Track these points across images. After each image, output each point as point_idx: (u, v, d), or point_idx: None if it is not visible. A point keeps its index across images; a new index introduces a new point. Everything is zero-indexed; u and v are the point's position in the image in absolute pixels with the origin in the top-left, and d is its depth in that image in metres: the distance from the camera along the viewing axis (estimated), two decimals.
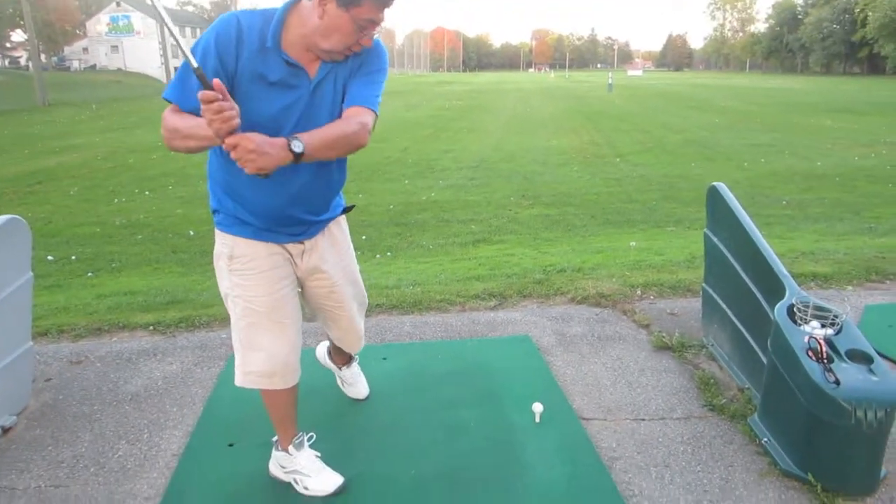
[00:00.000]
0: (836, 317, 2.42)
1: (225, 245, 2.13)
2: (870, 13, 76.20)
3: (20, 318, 2.81)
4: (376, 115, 1.98)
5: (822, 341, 2.28)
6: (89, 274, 6.28)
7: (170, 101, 1.85)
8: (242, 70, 1.86)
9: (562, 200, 9.32)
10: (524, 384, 2.97)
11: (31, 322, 2.95)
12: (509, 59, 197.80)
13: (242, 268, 2.11)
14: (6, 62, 52.33)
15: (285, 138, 1.74)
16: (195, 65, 1.61)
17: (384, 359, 3.32)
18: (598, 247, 6.42)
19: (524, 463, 2.45)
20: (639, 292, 4.31)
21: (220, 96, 1.62)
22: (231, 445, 2.56)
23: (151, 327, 3.88)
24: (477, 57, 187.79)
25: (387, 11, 1.90)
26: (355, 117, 1.92)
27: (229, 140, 1.66)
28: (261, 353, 2.16)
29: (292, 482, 2.33)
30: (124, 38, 70.06)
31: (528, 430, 2.63)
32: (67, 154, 15.10)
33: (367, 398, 2.92)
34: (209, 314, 4.07)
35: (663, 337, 3.51)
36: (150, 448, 2.59)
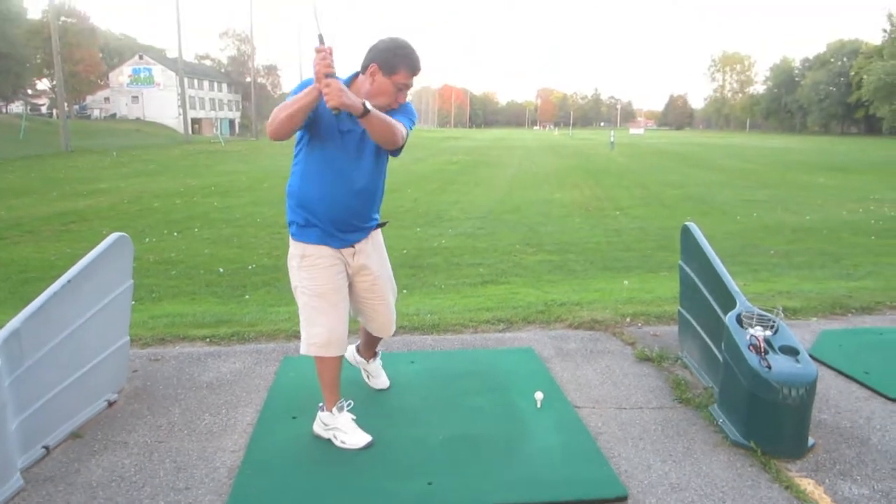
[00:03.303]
0: (773, 322, 3.07)
1: (298, 248, 2.89)
2: (864, 76, 78.31)
3: (123, 315, 3.48)
4: (408, 132, 2.80)
5: (760, 338, 2.93)
6: (132, 302, 6.92)
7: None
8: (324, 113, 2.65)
9: (564, 248, 9.95)
10: (528, 381, 3.60)
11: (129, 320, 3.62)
12: (515, 117, 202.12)
13: (310, 264, 2.86)
14: (28, 109, 54.17)
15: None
16: (322, 45, 2.43)
17: (412, 362, 3.97)
18: (596, 287, 7.07)
19: (528, 434, 3.08)
20: (628, 320, 4.96)
21: (328, 50, 2.43)
22: (294, 418, 3.20)
23: (208, 339, 4.53)
24: (483, 114, 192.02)
25: (415, 78, 2.76)
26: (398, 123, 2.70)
27: (325, 80, 2.38)
28: (322, 328, 2.87)
29: (332, 438, 2.98)
30: (144, 89, 72.71)
31: (530, 412, 3.26)
32: (95, 197, 15.83)
33: (390, 388, 3.57)
34: (256, 330, 4.72)
35: (645, 351, 4.15)
36: (229, 419, 3.24)
